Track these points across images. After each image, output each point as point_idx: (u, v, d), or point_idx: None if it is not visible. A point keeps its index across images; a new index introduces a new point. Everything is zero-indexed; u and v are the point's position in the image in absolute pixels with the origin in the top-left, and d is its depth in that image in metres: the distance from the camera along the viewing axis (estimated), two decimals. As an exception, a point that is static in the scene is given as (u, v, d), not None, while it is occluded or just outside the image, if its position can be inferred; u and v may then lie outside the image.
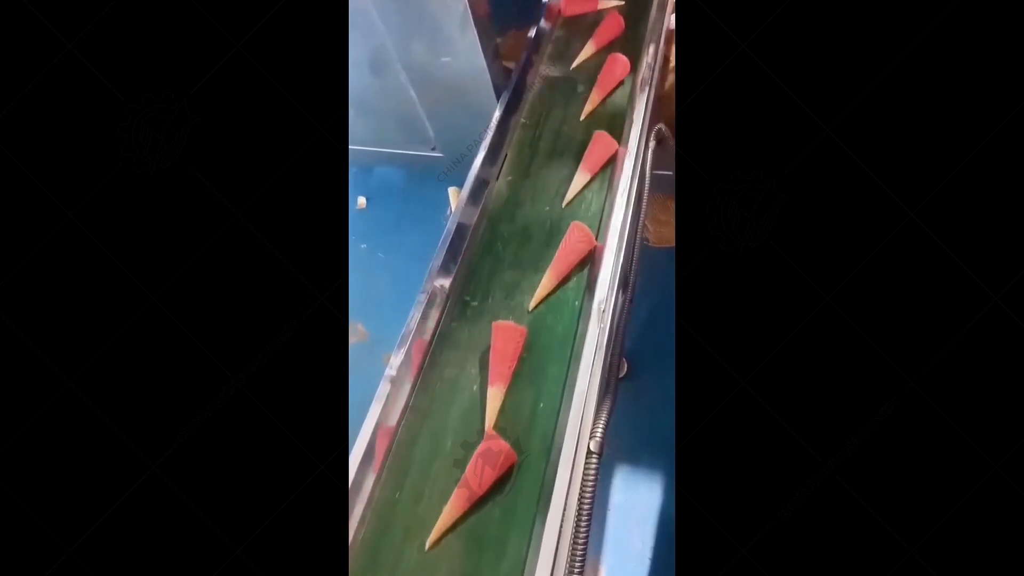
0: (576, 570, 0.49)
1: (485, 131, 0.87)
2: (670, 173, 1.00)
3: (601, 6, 1.05)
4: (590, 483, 0.52)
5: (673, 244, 1.28)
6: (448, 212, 1.31)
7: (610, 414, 0.58)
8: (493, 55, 1.08)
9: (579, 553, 0.50)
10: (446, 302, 0.72)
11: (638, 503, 0.90)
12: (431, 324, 0.70)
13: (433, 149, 1.35)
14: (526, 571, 0.50)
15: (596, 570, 0.86)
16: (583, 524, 0.51)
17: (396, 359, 0.63)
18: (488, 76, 1.08)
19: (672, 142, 0.87)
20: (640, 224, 0.74)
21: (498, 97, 1.02)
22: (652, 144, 0.82)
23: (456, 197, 1.31)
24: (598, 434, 0.55)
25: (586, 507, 0.52)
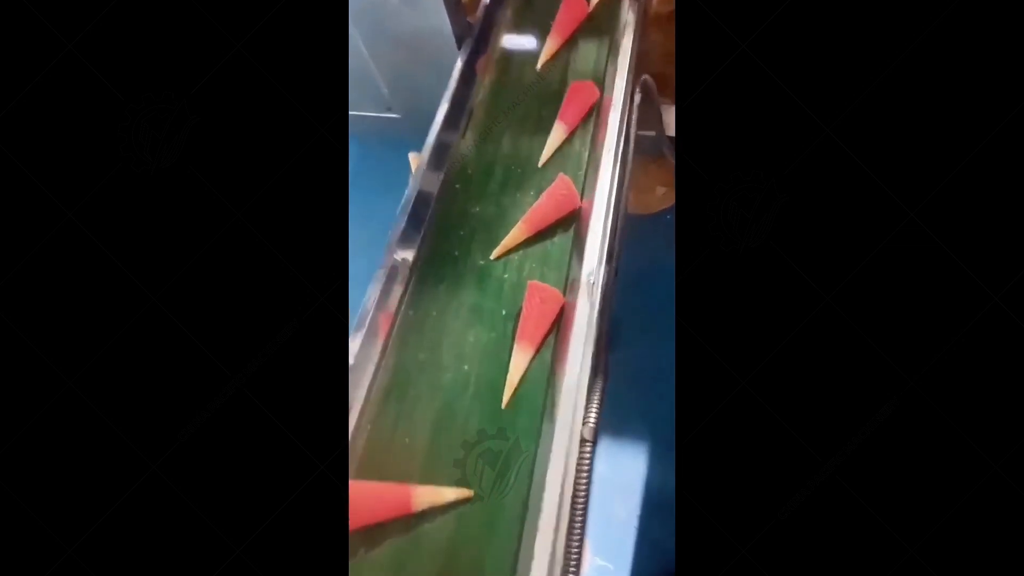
0: (571, 570, 0.46)
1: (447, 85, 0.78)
2: (651, 134, 0.94)
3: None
4: (584, 477, 0.49)
5: (653, 211, 1.19)
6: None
7: (603, 397, 0.55)
8: (454, 4, 0.98)
9: (574, 553, 0.46)
10: (410, 276, 0.67)
11: (621, 473, 0.91)
12: (393, 301, 0.65)
13: (389, 110, 1.22)
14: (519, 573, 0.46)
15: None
16: (577, 523, 0.47)
17: (354, 344, 0.59)
18: (449, 27, 0.97)
19: (656, 96, 0.82)
20: (626, 189, 0.69)
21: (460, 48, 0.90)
22: (638, 98, 0.75)
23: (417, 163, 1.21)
24: (591, 420, 0.51)
25: (580, 504, 0.47)
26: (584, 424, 0.51)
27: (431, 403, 0.58)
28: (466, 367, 0.60)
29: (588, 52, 0.86)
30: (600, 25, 0.88)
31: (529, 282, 0.62)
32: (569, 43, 0.87)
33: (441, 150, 0.76)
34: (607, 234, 0.65)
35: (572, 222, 0.68)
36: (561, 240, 0.67)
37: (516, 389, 0.57)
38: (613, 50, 0.83)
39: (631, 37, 0.81)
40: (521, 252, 0.67)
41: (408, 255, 0.69)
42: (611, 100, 0.74)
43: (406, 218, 0.69)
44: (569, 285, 0.63)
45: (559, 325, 0.61)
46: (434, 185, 0.74)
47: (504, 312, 0.63)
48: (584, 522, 0.48)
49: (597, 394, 0.54)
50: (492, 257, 0.67)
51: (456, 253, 0.69)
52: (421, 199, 0.71)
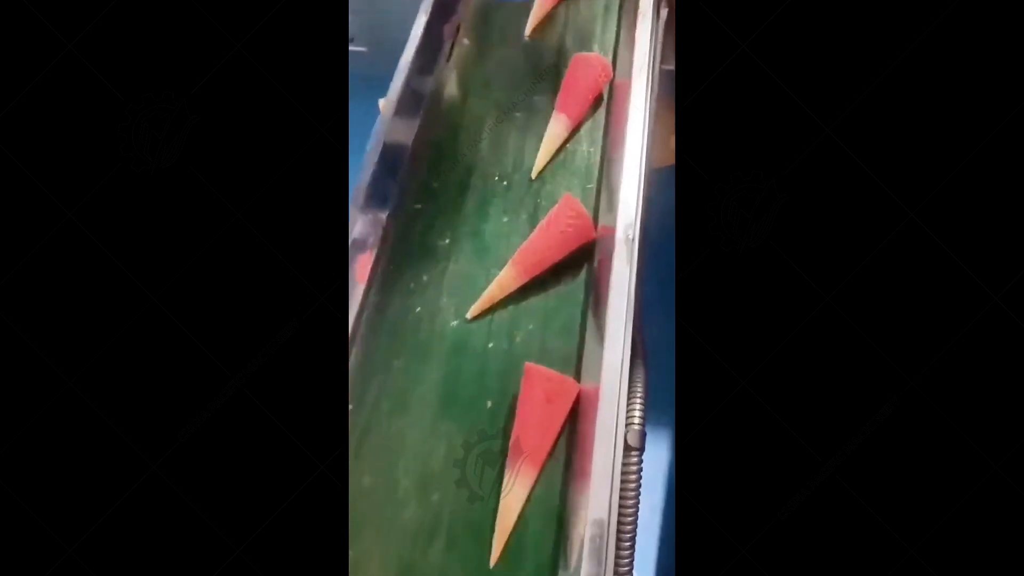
0: None
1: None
2: (669, 68, 0.73)
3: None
4: (631, 497, 0.38)
5: (664, 164, 1.02)
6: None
7: (646, 389, 0.42)
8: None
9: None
10: (384, 247, 0.51)
11: (643, 467, 0.81)
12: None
13: (352, 42, 1.01)
14: None
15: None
16: (625, 557, 0.37)
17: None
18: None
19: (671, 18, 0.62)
20: (650, 141, 0.52)
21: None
22: (664, 14, 0.56)
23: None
24: (636, 420, 0.40)
25: (627, 532, 0.37)
26: (628, 427, 0.40)
27: (383, 564, 0.41)
28: (435, 497, 0.42)
29: (594, 10, 0.65)
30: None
31: (526, 365, 0.44)
32: (566, 1, 0.67)
33: (415, 87, 0.57)
34: (643, 173, 0.48)
35: (584, 261, 0.51)
36: (570, 290, 0.49)
37: (510, 537, 0.40)
38: (627, 12, 0.62)
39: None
40: (512, 308, 0.49)
41: (382, 215, 0.52)
42: (630, 78, 0.54)
43: (374, 164, 0.51)
44: (584, 361, 0.45)
45: (573, 425, 0.44)
46: (406, 135, 0.55)
47: (490, 404, 0.45)
48: (632, 555, 0.38)
49: (640, 386, 0.42)
50: (469, 316, 0.49)
51: (418, 309, 0.49)
52: (392, 150, 0.53)
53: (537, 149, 0.56)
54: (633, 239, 0.45)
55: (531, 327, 0.48)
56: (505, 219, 0.53)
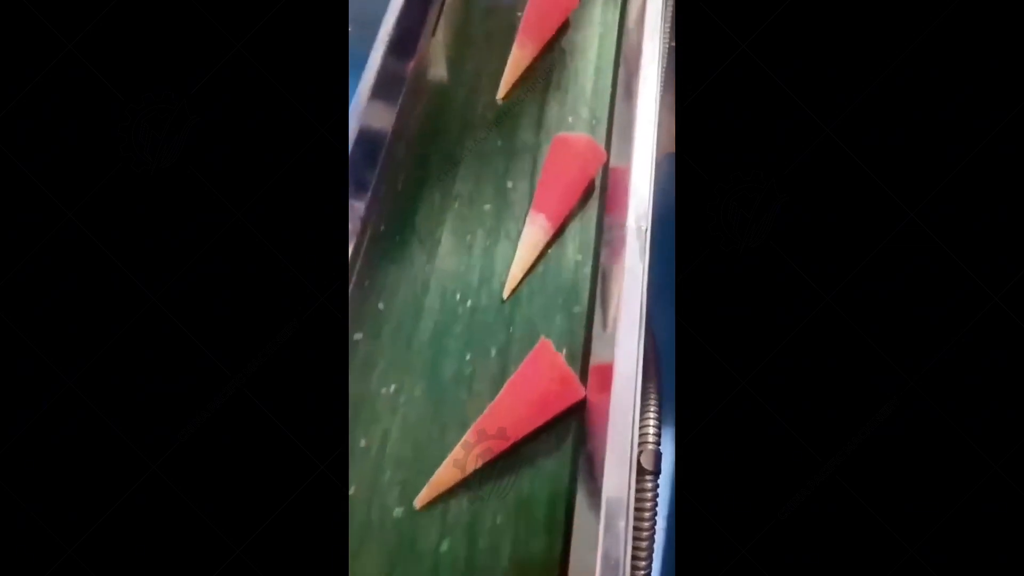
0: None
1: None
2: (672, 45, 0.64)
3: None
4: (647, 528, 0.33)
5: (661, 152, 0.99)
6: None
7: (660, 402, 0.37)
8: None
9: None
10: (362, 238, 0.44)
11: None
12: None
13: None
14: None
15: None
16: None
17: None
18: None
19: None
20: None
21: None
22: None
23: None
24: (649, 438, 0.35)
25: (643, 569, 0.31)
26: (641, 447, 0.35)
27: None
28: None
29: (583, 65, 0.53)
30: (597, 19, 0.54)
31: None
32: (548, 52, 0.54)
33: (393, 68, 0.48)
34: (654, 167, 0.40)
35: (571, 423, 0.40)
36: (551, 468, 0.38)
37: None
38: (627, 62, 0.52)
39: (658, 39, 0.48)
40: (472, 494, 0.37)
41: (359, 204, 0.44)
42: (629, 167, 0.43)
43: (355, 145, 0.43)
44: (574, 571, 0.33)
45: None
46: (384, 121, 0.45)
47: None
48: None
49: (653, 398, 0.37)
50: (417, 505, 0.38)
51: (352, 489, 0.39)
52: (368, 136, 0.44)
53: (510, 255, 0.44)
54: (646, 230, 0.39)
55: (499, 520, 0.36)
56: (468, 356, 0.42)
